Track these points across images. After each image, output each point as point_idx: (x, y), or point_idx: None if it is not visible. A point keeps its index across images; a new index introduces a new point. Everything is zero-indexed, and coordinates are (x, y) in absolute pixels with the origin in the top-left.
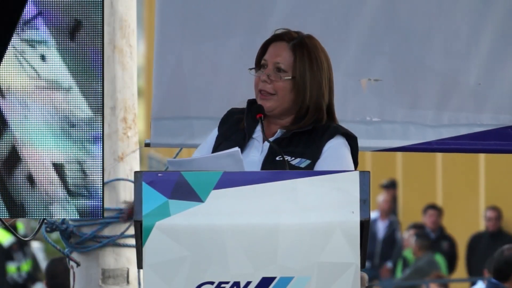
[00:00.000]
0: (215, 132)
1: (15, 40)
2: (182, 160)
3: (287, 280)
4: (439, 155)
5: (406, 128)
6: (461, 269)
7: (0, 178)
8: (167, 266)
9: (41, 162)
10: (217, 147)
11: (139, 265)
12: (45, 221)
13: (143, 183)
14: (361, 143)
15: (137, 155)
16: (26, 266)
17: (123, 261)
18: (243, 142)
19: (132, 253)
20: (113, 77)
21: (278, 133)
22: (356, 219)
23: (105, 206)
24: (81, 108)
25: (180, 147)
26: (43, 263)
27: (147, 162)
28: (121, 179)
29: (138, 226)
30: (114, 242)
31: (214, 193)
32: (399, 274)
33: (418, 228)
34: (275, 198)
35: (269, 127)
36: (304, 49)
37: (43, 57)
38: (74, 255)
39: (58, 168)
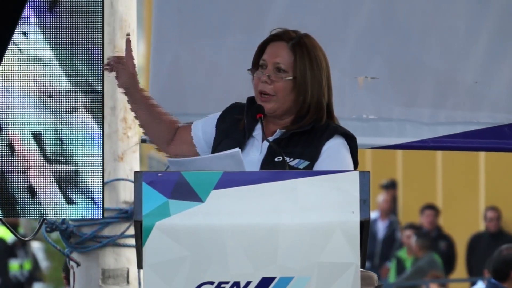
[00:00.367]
0: (215, 118)
1: (15, 40)
2: (183, 160)
3: (287, 280)
4: (439, 155)
5: (402, 126)
6: (461, 269)
7: (0, 178)
8: (167, 266)
9: (41, 162)
10: (217, 146)
11: (139, 265)
12: (45, 221)
13: (143, 183)
14: (357, 140)
15: (137, 155)
16: (28, 265)
17: (123, 261)
18: (243, 140)
19: (132, 253)
20: (113, 77)
21: (277, 133)
22: (356, 219)
23: (105, 206)
24: (81, 108)
25: None
26: (43, 263)
27: (147, 162)
28: (121, 179)
29: (138, 226)
30: (114, 242)
31: (214, 193)
32: (392, 274)
33: (415, 229)
34: (275, 198)
35: (269, 126)
36: (303, 48)
37: (43, 57)
38: (74, 255)
39: (58, 168)
